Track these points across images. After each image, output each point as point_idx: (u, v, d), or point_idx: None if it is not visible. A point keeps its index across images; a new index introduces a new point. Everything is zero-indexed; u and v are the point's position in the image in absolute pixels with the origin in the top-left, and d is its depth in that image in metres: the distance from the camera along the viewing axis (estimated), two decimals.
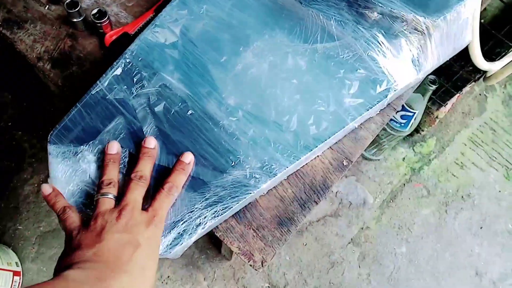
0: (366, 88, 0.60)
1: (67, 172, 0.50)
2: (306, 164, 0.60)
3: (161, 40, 0.58)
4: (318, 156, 0.61)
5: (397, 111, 1.10)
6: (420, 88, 1.03)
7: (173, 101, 0.55)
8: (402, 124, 1.12)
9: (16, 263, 1.09)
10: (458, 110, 1.48)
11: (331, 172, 0.61)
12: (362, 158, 1.33)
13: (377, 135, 1.22)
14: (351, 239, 1.24)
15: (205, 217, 0.50)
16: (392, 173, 1.35)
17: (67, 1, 0.60)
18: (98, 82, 0.54)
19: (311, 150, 0.55)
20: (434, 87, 1.00)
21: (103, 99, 0.53)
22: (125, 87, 0.55)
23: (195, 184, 0.51)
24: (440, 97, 1.16)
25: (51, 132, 0.51)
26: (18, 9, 0.66)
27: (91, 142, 0.51)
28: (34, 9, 0.66)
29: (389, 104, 0.66)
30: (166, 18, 0.60)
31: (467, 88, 1.10)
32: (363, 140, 0.64)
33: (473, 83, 1.05)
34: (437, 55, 0.63)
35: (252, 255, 0.55)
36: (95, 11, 0.60)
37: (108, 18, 0.61)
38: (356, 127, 0.63)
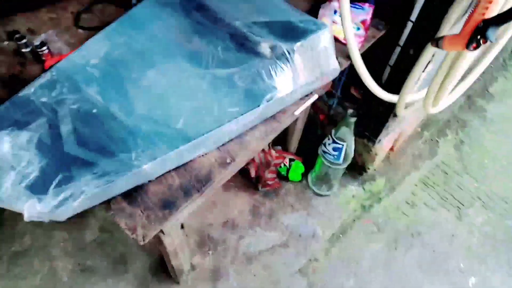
0: (244, 99, 0.74)
1: None
2: (195, 160, 0.73)
3: (84, 61, 0.75)
4: (206, 154, 0.73)
5: (329, 144, 1.22)
6: (345, 122, 1.16)
7: (82, 102, 0.70)
8: (335, 156, 1.23)
9: None
10: (407, 152, 1.58)
11: (216, 168, 0.73)
12: (313, 193, 1.42)
13: (320, 170, 1.33)
14: (299, 269, 1.29)
15: (89, 187, 0.61)
16: (342, 209, 1.42)
17: (16, 36, 0.79)
18: (26, 88, 0.70)
19: (190, 141, 0.68)
20: (354, 119, 1.13)
21: (27, 99, 0.69)
22: (49, 91, 0.70)
23: (86, 162, 0.64)
24: (371, 133, 1.28)
25: None
26: None
27: (10, 130, 0.65)
28: None
29: (273, 116, 0.79)
30: (91, 45, 0.78)
31: (393, 125, 1.22)
32: (246, 145, 0.76)
33: (394, 117, 1.17)
34: (305, 73, 0.77)
35: (136, 230, 0.66)
36: (37, 42, 0.79)
37: (48, 47, 0.79)
38: (242, 132, 0.76)
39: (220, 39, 0.78)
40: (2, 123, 0.67)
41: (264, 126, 0.79)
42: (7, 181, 0.61)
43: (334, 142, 1.20)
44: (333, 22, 0.90)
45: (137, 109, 0.71)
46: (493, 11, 0.66)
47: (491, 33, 0.66)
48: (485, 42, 0.67)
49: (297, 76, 0.76)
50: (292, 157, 1.42)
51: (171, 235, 0.92)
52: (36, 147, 0.65)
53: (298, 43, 0.73)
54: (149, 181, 0.69)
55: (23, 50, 0.80)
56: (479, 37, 0.67)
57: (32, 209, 0.59)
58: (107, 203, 0.67)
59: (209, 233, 1.32)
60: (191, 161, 0.72)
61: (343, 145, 1.19)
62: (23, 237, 1.29)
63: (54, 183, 0.61)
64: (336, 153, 1.22)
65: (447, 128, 1.69)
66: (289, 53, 0.73)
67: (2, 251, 1.26)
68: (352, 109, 1.11)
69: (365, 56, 0.88)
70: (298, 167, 1.42)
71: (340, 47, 0.91)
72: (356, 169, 1.46)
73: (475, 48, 0.69)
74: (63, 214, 0.61)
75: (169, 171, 0.71)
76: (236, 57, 0.77)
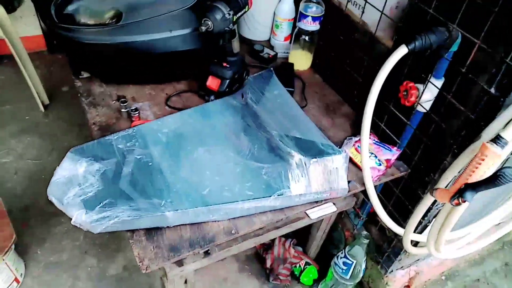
0: (261, 188, 0.92)
1: (66, 171, 0.89)
2: (207, 223, 0.90)
3: (158, 128, 1.02)
4: (217, 221, 0.91)
5: (340, 257, 1.31)
6: (358, 241, 1.26)
7: (145, 156, 0.94)
8: (343, 270, 1.30)
9: (21, 274, 1.40)
10: None
11: (221, 234, 0.90)
12: None
13: (330, 281, 1.40)
14: None
15: (123, 214, 0.82)
16: None
17: (122, 99, 1.09)
18: (112, 135, 0.97)
19: (207, 206, 0.87)
20: (367, 241, 1.23)
21: (109, 143, 0.95)
22: (125, 141, 0.97)
23: (128, 197, 0.85)
24: (385, 261, 1.34)
25: (74, 147, 0.93)
26: (99, 98, 1.17)
27: (89, 159, 0.91)
28: (105, 100, 1.17)
29: (281, 209, 0.96)
30: (168, 119, 1.05)
31: (406, 261, 1.28)
32: (252, 224, 0.93)
33: (406, 252, 1.24)
34: (316, 183, 0.94)
35: (143, 260, 0.83)
36: (133, 107, 1.08)
37: (139, 113, 1.08)
38: (252, 213, 0.93)
39: (259, 140, 1.01)
40: (86, 153, 0.93)
41: (272, 215, 0.95)
42: (72, 192, 0.84)
43: (345, 257, 1.29)
44: (357, 151, 1.08)
45: (180, 172, 0.93)
46: (474, 178, 0.79)
47: (469, 195, 0.78)
48: (463, 201, 0.80)
49: (308, 184, 0.94)
50: (309, 261, 1.51)
51: (174, 284, 1.07)
52: (100, 176, 0.89)
53: (314, 159, 0.92)
54: (167, 227, 0.88)
55: (122, 110, 1.10)
56: (459, 196, 0.80)
57: (79, 217, 0.80)
58: (131, 232, 0.86)
59: None
60: (204, 222, 0.90)
61: (352, 262, 1.28)
62: (62, 252, 1.51)
63: (100, 204, 0.83)
64: (345, 267, 1.30)
65: None
66: (305, 164, 0.92)
67: (43, 257, 1.49)
68: (369, 233, 1.22)
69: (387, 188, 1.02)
70: (312, 272, 1.49)
71: (360, 173, 1.07)
72: None
73: (457, 204, 0.81)
74: (97, 228, 0.81)
75: (185, 225, 0.89)
76: (267, 156, 0.98)
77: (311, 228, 1.48)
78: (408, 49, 0.90)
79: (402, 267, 1.34)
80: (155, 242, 0.86)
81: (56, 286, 1.41)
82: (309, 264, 1.51)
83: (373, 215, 1.40)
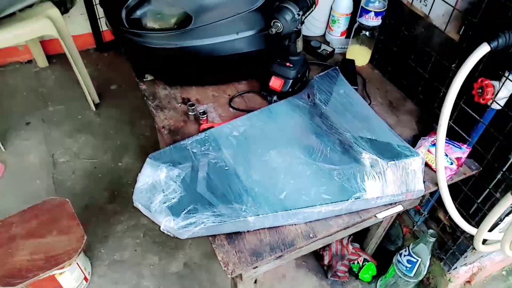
0: (337, 192, 0.92)
1: (149, 177, 0.91)
2: (286, 227, 0.91)
3: (229, 132, 1.03)
4: (295, 224, 0.92)
5: (404, 255, 1.30)
6: (424, 239, 1.25)
7: (219, 160, 0.95)
8: (408, 268, 1.29)
9: (89, 272, 1.46)
10: None
11: (300, 238, 0.90)
12: None
13: (391, 278, 1.39)
14: None
15: (208, 221, 0.83)
16: None
17: (189, 102, 1.11)
18: (186, 139, 0.99)
19: (286, 210, 0.87)
20: (433, 239, 1.21)
21: (184, 147, 0.97)
22: (199, 146, 0.98)
23: (209, 203, 0.87)
24: (448, 258, 1.32)
25: (152, 153, 0.96)
26: (165, 101, 1.19)
27: (168, 165, 0.93)
28: (171, 103, 1.19)
29: (357, 212, 0.96)
30: (237, 122, 1.06)
31: (472, 257, 1.26)
32: (329, 227, 0.93)
33: (474, 250, 1.22)
34: (393, 186, 0.93)
35: (228, 265, 0.85)
36: (201, 110, 1.09)
37: (206, 115, 1.09)
38: (328, 217, 0.93)
39: (330, 142, 1.00)
40: (165, 159, 0.95)
41: (348, 218, 0.95)
42: (157, 199, 0.86)
43: (409, 254, 1.28)
44: (429, 151, 1.06)
45: (255, 175, 0.94)
46: None
47: None
48: None
49: (385, 186, 0.93)
50: (367, 257, 1.51)
51: (245, 285, 1.09)
52: (181, 182, 0.91)
53: (392, 162, 0.91)
54: (248, 231, 0.89)
55: (190, 113, 1.11)
56: None
57: (167, 224, 0.83)
58: (213, 237, 0.88)
59: None
60: (282, 226, 0.91)
61: (417, 260, 1.26)
62: (124, 250, 1.56)
63: (185, 210, 0.85)
64: (409, 265, 1.29)
65: None
66: (382, 167, 0.91)
67: (107, 256, 1.54)
68: (435, 231, 1.20)
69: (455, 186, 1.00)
70: (370, 269, 1.49)
71: (431, 173, 1.05)
72: None
73: None
74: (184, 234, 0.83)
75: (264, 229, 0.90)
76: (340, 158, 0.97)
77: (371, 225, 1.47)
78: (491, 47, 0.87)
79: (466, 263, 1.32)
80: (237, 246, 0.88)
81: (123, 284, 1.46)
82: (368, 261, 1.50)
83: (433, 211, 1.38)
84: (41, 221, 1.32)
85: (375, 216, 1.13)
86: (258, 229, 0.90)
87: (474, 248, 1.22)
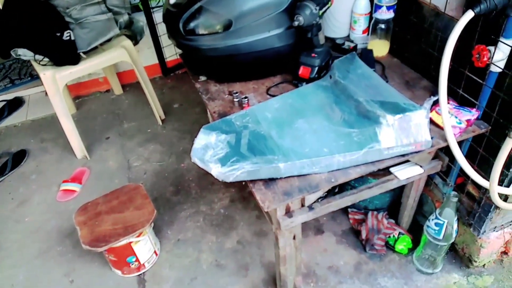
0: (354, 146, 1.11)
1: (203, 140, 1.17)
2: (311, 175, 1.12)
3: (264, 108, 1.27)
4: (319, 173, 1.12)
5: (432, 219, 1.42)
6: (447, 201, 1.36)
7: (257, 128, 1.20)
8: (436, 231, 1.40)
9: (158, 248, 1.74)
10: None
11: (323, 182, 1.10)
12: (416, 270, 1.56)
13: (424, 246, 1.50)
14: None
15: (247, 167, 1.07)
16: None
17: (234, 93, 1.38)
18: (231, 115, 1.25)
19: (310, 158, 1.08)
20: (455, 199, 1.33)
21: (229, 120, 1.23)
22: (241, 119, 1.23)
23: (252, 155, 1.10)
24: (476, 222, 1.41)
25: (205, 125, 1.23)
26: (215, 94, 1.47)
27: (217, 132, 1.19)
28: (220, 95, 1.46)
29: (372, 162, 1.13)
30: (271, 101, 1.30)
31: (498, 219, 1.34)
32: (348, 175, 1.11)
33: (497, 209, 1.31)
34: (402, 137, 1.11)
35: (264, 202, 1.06)
36: (243, 96, 1.36)
37: (248, 100, 1.35)
38: (347, 166, 1.12)
39: (348, 107, 1.21)
40: (214, 128, 1.21)
41: (365, 167, 1.13)
42: (209, 154, 1.12)
43: (436, 218, 1.40)
44: (437, 113, 1.22)
45: (285, 137, 1.16)
46: None
47: None
48: None
49: (394, 138, 1.10)
50: (402, 231, 1.62)
51: (285, 238, 1.28)
52: (227, 143, 1.16)
53: (399, 115, 1.09)
54: (280, 178, 1.11)
55: (235, 99, 1.39)
56: None
57: (217, 169, 1.07)
58: (252, 183, 1.10)
59: (315, 270, 1.60)
60: (308, 174, 1.11)
61: (444, 221, 1.38)
62: (187, 232, 1.82)
63: (230, 161, 1.09)
64: (437, 228, 1.40)
65: None
66: (391, 121, 1.10)
67: (172, 236, 1.81)
68: (461, 201, 1.32)
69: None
70: (406, 241, 1.60)
71: (442, 132, 1.20)
72: (464, 260, 1.55)
73: None
74: (230, 177, 1.06)
75: (294, 176, 1.11)
76: (356, 119, 1.17)
77: (402, 197, 1.60)
78: (474, 12, 1.04)
79: (495, 227, 1.39)
80: (272, 189, 1.09)
81: (186, 257, 1.71)
82: (403, 234, 1.62)
83: (461, 185, 1.48)
84: (121, 200, 1.63)
85: (397, 177, 1.30)
86: (288, 177, 1.11)
87: (497, 207, 1.32)
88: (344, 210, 1.79)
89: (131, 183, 1.90)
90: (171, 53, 2.79)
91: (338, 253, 1.66)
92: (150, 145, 2.35)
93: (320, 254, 1.66)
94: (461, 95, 1.29)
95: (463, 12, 1.20)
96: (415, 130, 1.11)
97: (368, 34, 1.62)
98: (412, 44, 1.46)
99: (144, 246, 1.61)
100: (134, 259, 1.60)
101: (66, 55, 2.00)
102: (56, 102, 2.10)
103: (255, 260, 1.67)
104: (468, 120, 1.22)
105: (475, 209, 1.40)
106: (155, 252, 1.70)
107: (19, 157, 2.35)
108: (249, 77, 1.52)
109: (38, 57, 2.00)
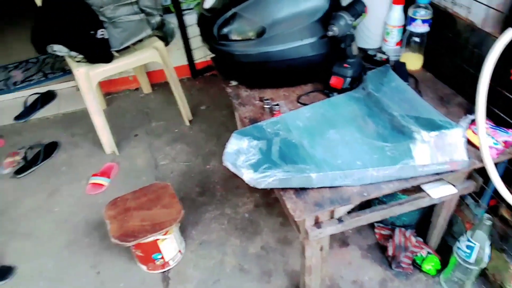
0: (388, 160, 1.10)
1: (234, 145, 1.18)
2: (343, 187, 1.11)
3: (296, 116, 1.28)
4: (351, 186, 1.11)
5: (463, 241, 1.38)
6: (480, 224, 1.33)
7: (288, 136, 1.20)
8: (467, 254, 1.36)
9: (183, 247, 1.76)
10: None
11: (355, 196, 1.10)
12: None
13: (453, 268, 1.46)
14: None
15: (279, 174, 1.07)
16: None
17: (265, 99, 1.39)
18: (262, 121, 1.26)
19: (342, 171, 1.08)
20: (489, 222, 1.29)
21: (261, 126, 1.24)
22: (273, 126, 1.24)
23: (283, 163, 1.11)
24: (510, 249, 1.37)
25: (236, 130, 1.24)
26: (246, 100, 1.48)
27: (249, 138, 1.20)
28: (251, 101, 1.47)
29: (406, 179, 1.12)
30: (302, 110, 1.31)
31: None
32: (380, 189, 1.11)
33: None
34: (437, 155, 1.09)
35: (295, 211, 1.07)
36: (274, 103, 1.36)
37: (279, 107, 1.36)
38: (380, 181, 1.11)
39: (382, 121, 1.20)
40: (247, 134, 1.22)
41: (398, 183, 1.11)
42: (241, 159, 1.13)
43: (468, 240, 1.36)
44: (473, 132, 1.20)
45: (317, 146, 1.16)
46: None
47: None
48: None
49: (430, 155, 1.09)
50: (430, 251, 1.59)
51: (312, 248, 1.28)
52: (258, 150, 1.16)
53: (435, 132, 1.08)
54: (312, 188, 1.11)
55: (265, 106, 1.40)
56: None
57: (249, 175, 1.08)
58: (283, 191, 1.11)
59: (339, 283, 1.59)
60: (340, 187, 1.11)
61: (476, 244, 1.34)
62: (211, 233, 1.84)
63: (262, 168, 1.10)
64: (468, 251, 1.36)
65: None
66: (427, 138, 1.08)
67: (197, 236, 1.83)
68: (494, 226, 1.28)
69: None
70: (434, 261, 1.57)
71: (478, 152, 1.17)
72: (495, 287, 1.51)
73: None
74: (262, 183, 1.07)
75: (325, 188, 1.11)
76: (390, 133, 1.16)
77: (432, 216, 1.57)
78: None
79: None
80: (302, 199, 1.09)
81: (210, 259, 1.73)
82: (431, 253, 1.58)
83: (494, 208, 1.44)
84: (149, 198, 1.67)
85: (429, 195, 1.28)
86: (320, 187, 1.11)
87: None
88: (370, 224, 1.77)
89: (158, 181, 1.94)
90: (200, 55, 2.83)
91: (363, 268, 1.64)
92: (177, 145, 2.38)
93: (344, 267, 1.64)
94: (498, 114, 1.26)
95: (501, 29, 1.19)
96: (451, 148, 1.10)
97: (401, 47, 1.60)
98: (446, 59, 1.44)
99: (170, 244, 1.64)
100: (159, 256, 1.63)
101: (100, 53, 2.06)
102: (89, 99, 2.16)
103: (279, 267, 1.67)
104: (505, 142, 1.20)
105: (509, 234, 1.37)
106: (179, 251, 1.73)
107: (50, 149, 2.42)
108: (280, 84, 1.52)
109: (73, 53, 2.05)
